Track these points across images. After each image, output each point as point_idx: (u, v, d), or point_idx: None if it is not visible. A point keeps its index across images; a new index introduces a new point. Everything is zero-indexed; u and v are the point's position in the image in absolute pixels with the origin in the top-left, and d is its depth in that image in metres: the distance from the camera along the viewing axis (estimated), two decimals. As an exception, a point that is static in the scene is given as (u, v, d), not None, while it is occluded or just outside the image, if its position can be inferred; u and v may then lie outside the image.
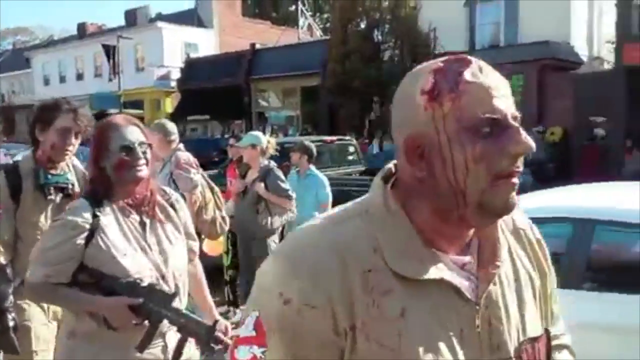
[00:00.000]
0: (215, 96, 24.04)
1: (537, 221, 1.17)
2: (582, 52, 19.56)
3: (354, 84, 18.31)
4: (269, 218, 5.08)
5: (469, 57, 0.95)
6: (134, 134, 2.08)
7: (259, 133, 5.53)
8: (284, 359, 0.91)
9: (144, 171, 2.07)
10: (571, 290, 2.74)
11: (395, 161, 1.01)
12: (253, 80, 24.75)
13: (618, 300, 2.97)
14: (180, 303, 2.07)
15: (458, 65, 0.93)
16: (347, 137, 11.47)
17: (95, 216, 2.00)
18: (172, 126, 4.47)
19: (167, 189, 2.33)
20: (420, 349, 0.90)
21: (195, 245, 2.39)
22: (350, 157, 10.36)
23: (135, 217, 2.10)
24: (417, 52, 18.09)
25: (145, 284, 1.97)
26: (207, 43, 31.89)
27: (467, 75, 0.91)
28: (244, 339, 0.94)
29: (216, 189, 4.62)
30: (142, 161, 2.06)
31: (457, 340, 0.94)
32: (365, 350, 0.90)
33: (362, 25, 19.73)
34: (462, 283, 0.96)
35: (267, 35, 30.47)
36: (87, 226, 1.97)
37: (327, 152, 9.75)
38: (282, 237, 5.62)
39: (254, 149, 5.04)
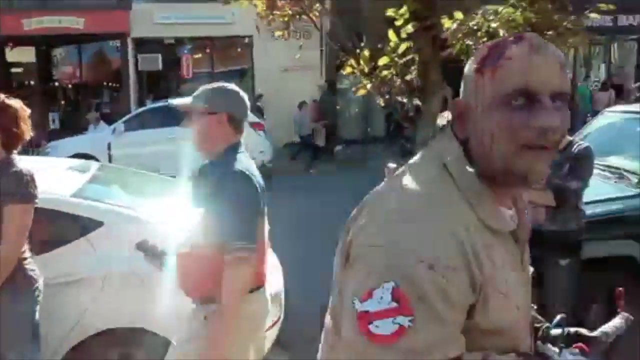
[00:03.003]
0: None
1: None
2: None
3: None
4: None
5: (526, 34, 1.01)
6: None
7: None
8: (437, 324, 0.90)
9: None
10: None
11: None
12: None
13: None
14: None
15: (510, 42, 1.00)
16: None
17: None
18: None
19: None
20: (515, 291, 1.03)
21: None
22: None
23: None
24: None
25: None
26: None
27: (511, 51, 0.98)
28: (380, 313, 0.90)
29: None
30: None
31: (522, 280, 1.10)
32: (494, 300, 0.96)
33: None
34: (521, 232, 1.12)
35: None
36: None
37: None
38: None
39: None
